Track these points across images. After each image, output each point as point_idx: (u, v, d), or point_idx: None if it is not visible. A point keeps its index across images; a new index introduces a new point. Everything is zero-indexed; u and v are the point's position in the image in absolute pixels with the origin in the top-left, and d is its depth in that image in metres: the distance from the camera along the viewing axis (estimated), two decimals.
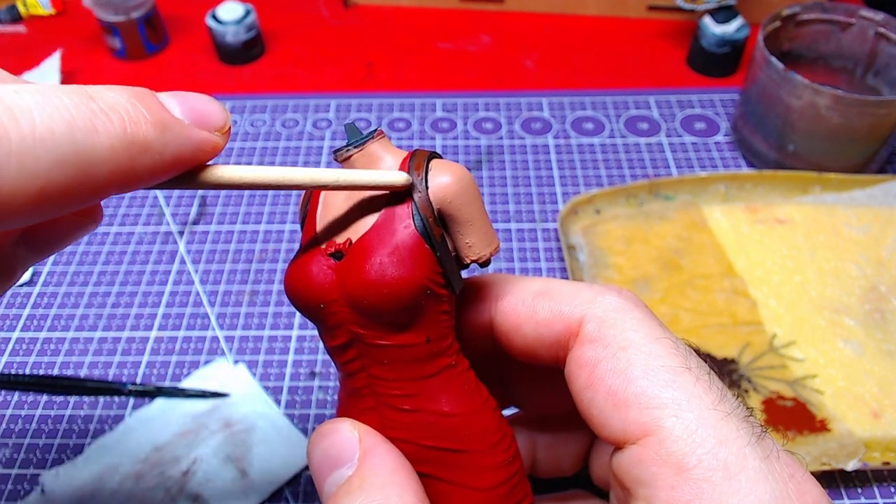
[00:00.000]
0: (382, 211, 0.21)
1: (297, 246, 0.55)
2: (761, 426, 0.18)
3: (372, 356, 0.21)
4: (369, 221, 0.21)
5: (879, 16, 0.58)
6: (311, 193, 0.24)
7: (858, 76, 0.62)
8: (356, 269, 0.20)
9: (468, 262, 0.22)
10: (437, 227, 0.21)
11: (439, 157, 0.22)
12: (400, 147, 0.63)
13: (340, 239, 0.22)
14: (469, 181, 0.21)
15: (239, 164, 0.62)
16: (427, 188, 0.21)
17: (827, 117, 0.54)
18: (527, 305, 0.22)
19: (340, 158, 0.22)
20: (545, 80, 0.71)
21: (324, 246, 0.22)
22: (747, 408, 0.18)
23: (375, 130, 0.22)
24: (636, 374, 0.18)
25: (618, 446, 0.19)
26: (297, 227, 0.57)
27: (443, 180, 0.21)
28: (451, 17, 0.79)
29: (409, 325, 0.21)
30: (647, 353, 0.18)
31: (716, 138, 0.64)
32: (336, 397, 0.46)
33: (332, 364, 0.48)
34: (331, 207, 0.22)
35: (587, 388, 0.19)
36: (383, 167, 0.21)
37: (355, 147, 0.22)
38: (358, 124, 0.22)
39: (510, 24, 0.78)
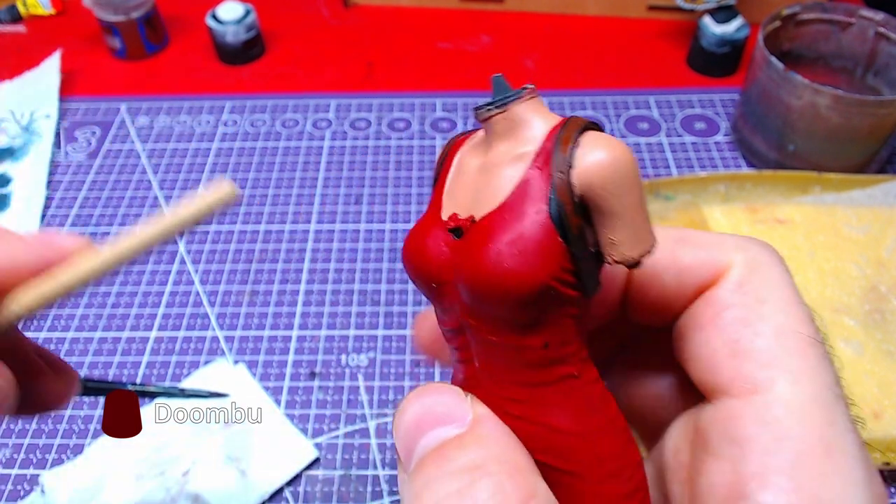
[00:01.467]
0: (516, 186, 0.17)
1: (297, 246, 0.55)
2: (858, 417, 0.17)
3: (483, 350, 0.19)
4: (497, 199, 0.18)
5: (879, 16, 0.58)
6: (448, 150, 0.20)
7: (858, 76, 0.62)
8: (473, 253, 0.17)
9: (611, 262, 0.18)
10: (576, 216, 0.17)
11: (598, 128, 0.18)
12: (400, 147, 0.63)
13: (464, 213, 0.18)
14: (626, 164, 0.17)
15: (239, 163, 0.62)
16: (569, 167, 0.17)
17: (827, 117, 0.53)
18: (668, 251, 0.20)
19: (481, 118, 0.19)
20: (545, 80, 0.71)
21: (446, 218, 0.19)
22: (849, 397, 0.17)
23: (526, 88, 0.18)
24: (766, 331, 0.17)
25: (711, 397, 0.18)
26: (297, 227, 0.57)
27: (592, 160, 0.17)
28: (451, 17, 0.79)
29: (525, 326, 0.18)
30: (786, 313, 0.18)
31: (716, 138, 0.64)
32: (334, 398, 0.46)
33: (332, 364, 0.48)
34: (464, 173, 0.19)
35: (709, 325, 0.18)
36: (529, 133, 0.18)
37: (497, 108, 0.18)
38: (506, 79, 0.18)
39: (510, 24, 0.78)
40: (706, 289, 0.19)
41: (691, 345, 0.18)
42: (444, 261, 0.18)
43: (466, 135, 0.21)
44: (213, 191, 0.18)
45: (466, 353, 0.19)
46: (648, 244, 0.17)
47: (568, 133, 0.17)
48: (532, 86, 0.19)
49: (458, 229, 0.18)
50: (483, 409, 0.18)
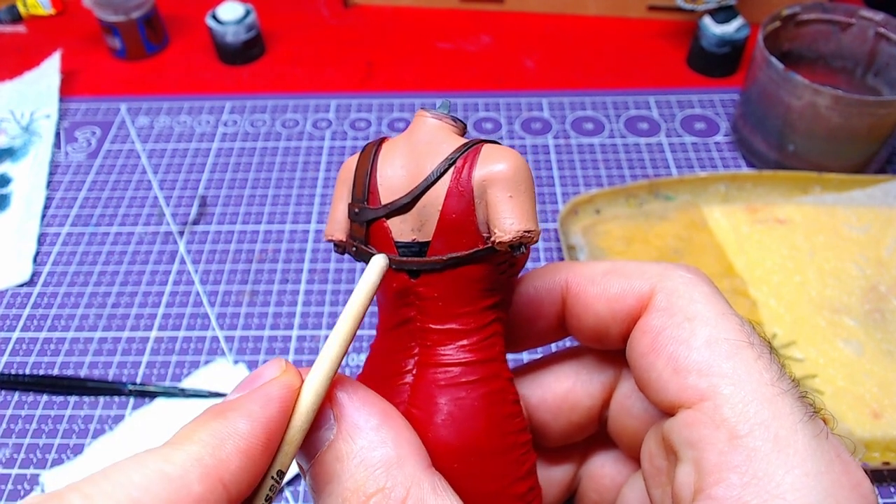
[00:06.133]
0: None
1: (296, 246, 0.55)
2: (814, 408, 0.18)
3: None
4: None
5: (879, 16, 0.58)
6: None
7: (858, 76, 0.62)
8: None
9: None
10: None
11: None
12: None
13: None
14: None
15: (239, 163, 0.62)
16: None
17: (827, 117, 0.54)
18: (597, 284, 0.22)
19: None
20: (545, 80, 0.71)
21: None
22: (803, 389, 0.18)
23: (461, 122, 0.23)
24: (699, 344, 0.19)
25: (670, 412, 0.19)
26: (297, 227, 0.57)
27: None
28: (451, 17, 0.79)
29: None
30: (713, 325, 0.19)
31: (716, 138, 0.64)
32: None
33: None
34: None
35: (649, 352, 0.20)
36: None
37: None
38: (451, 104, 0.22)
39: (510, 24, 0.78)
40: (638, 315, 0.21)
41: (640, 373, 0.20)
42: None
43: None
44: (371, 270, 0.20)
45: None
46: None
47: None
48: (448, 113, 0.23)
49: None
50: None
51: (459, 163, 0.21)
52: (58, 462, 0.43)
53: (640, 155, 0.62)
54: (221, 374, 0.47)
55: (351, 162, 0.23)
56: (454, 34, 0.77)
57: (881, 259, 0.51)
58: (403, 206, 0.21)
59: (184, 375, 0.47)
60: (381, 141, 0.23)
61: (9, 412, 0.46)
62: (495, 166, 0.20)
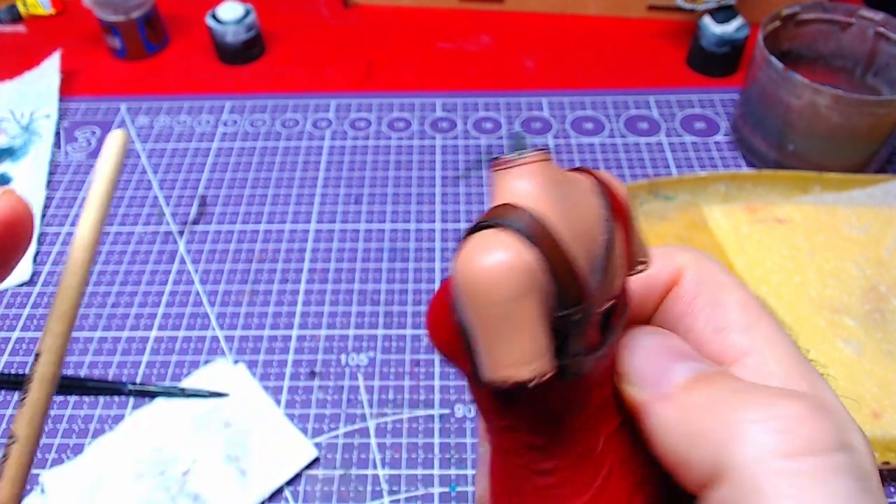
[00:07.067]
0: None
1: (296, 245, 0.55)
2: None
3: None
4: None
5: (879, 16, 0.58)
6: None
7: (858, 76, 0.62)
8: None
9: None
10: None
11: (509, 227, 0.15)
12: (400, 147, 0.63)
13: None
14: (479, 282, 0.14)
15: (239, 163, 0.62)
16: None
17: (827, 117, 0.53)
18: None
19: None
20: (545, 80, 0.71)
21: None
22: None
23: (523, 152, 0.16)
24: (734, 307, 0.20)
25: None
26: (297, 227, 0.57)
27: (457, 264, 0.15)
28: (451, 17, 0.79)
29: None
30: (740, 291, 0.20)
31: (716, 138, 0.64)
32: (334, 398, 0.46)
33: (332, 364, 0.48)
34: None
35: (687, 315, 0.20)
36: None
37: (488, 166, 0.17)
38: (523, 136, 0.17)
39: (510, 24, 0.78)
40: (669, 289, 0.21)
41: (679, 332, 0.21)
42: None
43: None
44: (110, 147, 0.19)
45: None
46: (504, 374, 0.15)
47: (473, 223, 0.15)
48: (533, 148, 0.16)
49: None
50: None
51: None
52: (58, 462, 0.43)
53: (639, 155, 0.62)
54: (221, 373, 0.47)
55: (522, 262, 0.14)
56: (454, 34, 0.77)
57: (881, 259, 0.51)
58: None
59: (184, 375, 0.47)
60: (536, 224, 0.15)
61: (9, 412, 0.46)
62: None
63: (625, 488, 0.18)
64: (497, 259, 0.14)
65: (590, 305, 0.16)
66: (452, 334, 0.16)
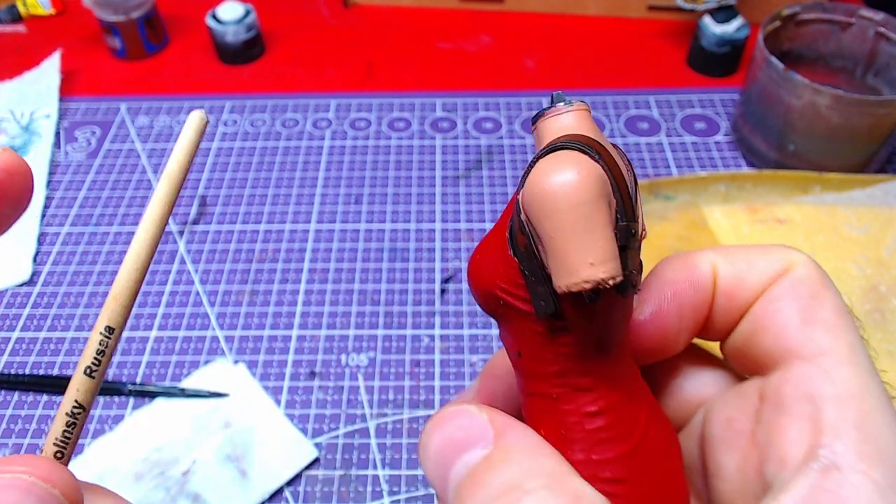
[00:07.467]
0: (508, 202, 0.18)
1: (296, 245, 0.55)
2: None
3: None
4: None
5: (879, 16, 0.58)
6: None
7: (858, 76, 0.62)
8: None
9: (557, 290, 0.17)
10: (522, 234, 0.17)
11: (580, 146, 0.17)
12: (400, 147, 0.63)
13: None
14: (557, 192, 0.16)
15: (239, 163, 0.62)
16: (521, 188, 0.17)
17: (827, 117, 0.54)
18: (743, 260, 0.21)
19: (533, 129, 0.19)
20: (545, 80, 0.71)
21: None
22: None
23: (564, 102, 0.18)
24: (829, 306, 0.20)
25: (778, 365, 0.20)
26: (297, 227, 0.57)
27: (529, 183, 0.16)
28: (451, 17, 0.79)
29: (501, 331, 0.19)
30: (839, 297, 0.20)
31: (716, 138, 0.64)
32: (334, 398, 0.46)
33: (332, 364, 0.48)
34: None
35: (784, 297, 0.20)
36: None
37: (533, 122, 0.19)
38: (564, 94, 0.18)
39: (510, 24, 0.78)
40: (777, 279, 0.21)
41: (765, 314, 0.20)
42: None
43: None
44: (189, 127, 0.19)
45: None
46: (577, 278, 0.16)
47: (537, 153, 0.17)
48: (574, 101, 0.18)
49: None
50: (502, 419, 0.18)
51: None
52: None
53: (640, 154, 0.62)
54: (221, 373, 0.47)
55: (595, 171, 0.16)
56: (454, 34, 0.77)
57: (881, 259, 0.51)
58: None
59: (184, 375, 0.47)
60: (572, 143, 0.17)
61: (9, 412, 0.46)
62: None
63: (663, 434, 0.19)
64: (573, 166, 0.16)
65: (639, 224, 0.18)
66: (511, 269, 0.17)
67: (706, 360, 0.23)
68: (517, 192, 0.17)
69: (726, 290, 0.21)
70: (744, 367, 0.21)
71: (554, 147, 0.17)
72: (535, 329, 0.18)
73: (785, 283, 0.21)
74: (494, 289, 0.18)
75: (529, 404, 0.19)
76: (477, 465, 0.17)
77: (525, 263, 0.17)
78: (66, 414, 0.18)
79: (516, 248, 0.17)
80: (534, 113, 0.19)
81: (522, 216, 0.17)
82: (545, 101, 0.19)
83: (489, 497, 0.16)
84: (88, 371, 0.19)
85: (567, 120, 0.18)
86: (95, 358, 0.19)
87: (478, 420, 0.18)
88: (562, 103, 0.18)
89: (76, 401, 0.19)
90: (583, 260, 0.16)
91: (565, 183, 0.16)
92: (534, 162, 0.17)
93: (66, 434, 0.18)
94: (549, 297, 0.17)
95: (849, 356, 0.19)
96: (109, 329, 0.19)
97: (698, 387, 0.23)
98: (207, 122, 0.19)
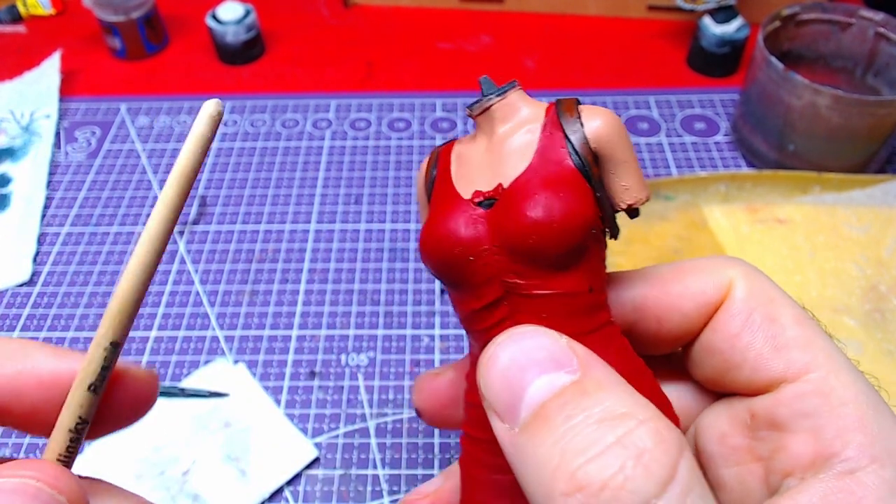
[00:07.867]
0: (536, 151, 0.20)
1: (296, 246, 0.55)
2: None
3: (527, 311, 0.20)
4: (520, 166, 0.20)
5: (879, 16, 0.58)
6: (438, 154, 0.23)
7: (858, 76, 0.62)
8: (516, 210, 0.19)
9: (623, 207, 0.21)
10: (595, 165, 0.20)
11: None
12: (400, 147, 0.63)
13: (487, 187, 0.21)
14: (621, 122, 0.21)
15: (239, 163, 0.62)
16: (583, 127, 0.20)
17: (827, 117, 0.54)
18: (678, 283, 0.22)
19: (480, 109, 0.22)
20: (545, 80, 0.71)
21: (469, 197, 0.21)
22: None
23: (514, 82, 0.22)
24: (790, 322, 0.20)
25: (765, 390, 0.20)
26: (297, 227, 0.57)
27: (601, 120, 0.20)
28: (451, 17, 0.79)
29: (573, 270, 0.20)
30: (790, 305, 0.20)
31: (716, 138, 0.64)
32: (334, 398, 0.46)
33: (332, 364, 0.48)
34: (469, 161, 0.22)
35: (743, 332, 0.20)
36: (526, 114, 0.21)
37: (497, 96, 0.21)
38: (492, 79, 0.22)
39: (510, 24, 0.78)
40: (718, 306, 0.21)
41: (732, 354, 0.20)
42: (479, 232, 0.20)
43: (449, 143, 0.23)
44: (202, 115, 0.19)
45: (501, 328, 0.19)
46: (649, 190, 0.21)
47: (567, 106, 0.21)
48: (516, 81, 0.22)
49: (490, 200, 0.20)
50: (583, 351, 0.18)
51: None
52: None
53: (639, 155, 0.62)
54: (221, 373, 0.47)
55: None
56: (454, 34, 0.77)
57: (881, 259, 0.51)
58: None
59: (184, 375, 0.47)
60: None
61: None
62: None
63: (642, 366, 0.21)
64: (612, 112, 0.21)
65: None
66: (588, 200, 0.20)
67: (674, 375, 0.23)
68: (557, 138, 0.20)
69: (656, 315, 0.22)
70: (722, 390, 0.22)
71: (578, 101, 0.21)
72: (603, 256, 0.21)
73: (734, 309, 0.20)
74: (594, 217, 0.20)
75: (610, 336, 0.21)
76: (566, 388, 0.16)
77: (600, 191, 0.20)
78: (70, 430, 0.18)
79: (591, 179, 0.20)
80: (478, 98, 0.22)
81: (595, 149, 0.20)
82: (484, 88, 0.22)
83: (596, 419, 0.16)
84: (93, 388, 0.18)
85: (524, 93, 0.22)
86: (100, 374, 0.18)
87: (560, 344, 0.18)
88: (494, 88, 0.22)
89: (80, 416, 0.18)
90: (642, 180, 0.21)
91: (618, 119, 0.21)
92: (572, 110, 0.21)
93: (70, 449, 0.18)
94: (613, 220, 0.21)
95: (828, 363, 0.19)
96: (115, 345, 0.18)
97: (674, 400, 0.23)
98: (222, 113, 0.19)
